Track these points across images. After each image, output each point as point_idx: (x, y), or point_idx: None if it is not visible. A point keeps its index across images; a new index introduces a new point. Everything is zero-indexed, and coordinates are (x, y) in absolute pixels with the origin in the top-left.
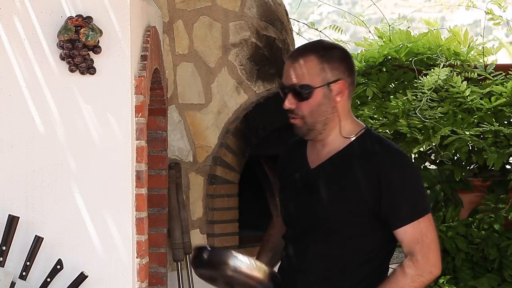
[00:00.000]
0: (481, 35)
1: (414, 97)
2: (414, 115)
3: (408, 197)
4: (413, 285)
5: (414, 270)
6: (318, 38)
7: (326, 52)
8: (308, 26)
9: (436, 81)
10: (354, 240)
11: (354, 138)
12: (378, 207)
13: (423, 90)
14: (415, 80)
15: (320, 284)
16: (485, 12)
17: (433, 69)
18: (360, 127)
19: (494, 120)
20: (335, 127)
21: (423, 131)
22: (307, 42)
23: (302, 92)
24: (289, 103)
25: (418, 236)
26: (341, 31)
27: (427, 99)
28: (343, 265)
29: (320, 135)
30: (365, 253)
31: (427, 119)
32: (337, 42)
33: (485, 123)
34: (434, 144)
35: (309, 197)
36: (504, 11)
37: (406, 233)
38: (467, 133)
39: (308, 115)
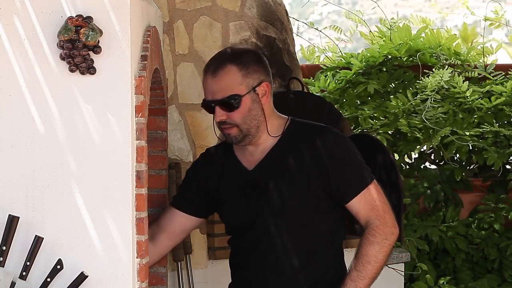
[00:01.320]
0: (481, 35)
1: (415, 98)
2: (415, 115)
3: (353, 169)
4: (382, 250)
5: (378, 236)
6: (318, 38)
7: (242, 58)
8: (308, 26)
9: (439, 83)
10: (313, 227)
11: (282, 132)
12: (328, 186)
13: (426, 92)
14: (417, 81)
15: (291, 281)
16: (484, 19)
17: (435, 70)
18: (285, 120)
19: (494, 121)
20: (265, 128)
21: (423, 131)
22: (218, 52)
23: (231, 103)
24: (219, 115)
25: (372, 202)
26: (341, 31)
27: (431, 100)
28: (309, 256)
29: (254, 138)
30: (326, 238)
31: (428, 119)
32: (337, 42)
33: (485, 123)
34: (434, 144)
35: (259, 197)
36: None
37: (359, 202)
38: (467, 133)
39: (242, 123)
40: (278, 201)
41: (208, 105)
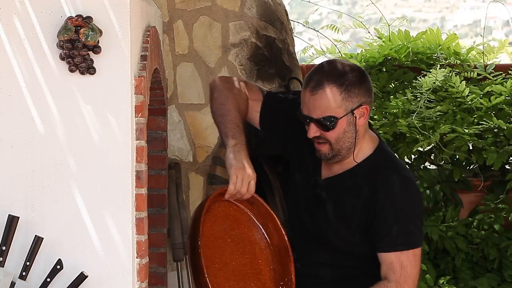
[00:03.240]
0: (481, 35)
1: (413, 98)
2: (413, 115)
3: (399, 225)
4: None
5: None
6: (318, 38)
7: (344, 79)
8: (303, 25)
9: (434, 82)
10: (354, 255)
11: (363, 160)
12: (370, 226)
13: (421, 91)
14: (414, 81)
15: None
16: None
17: (433, 69)
18: (373, 145)
19: (494, 118)
20: (353, 151)
21: (423, 131)
22: (319, 64)
23: (327, 124)
24: (313, 132)
25: (397, 267)
26: (338, 30)
27: (425, 100)
28: (349, 273)
29: (343, 159)
30: (370, 265)
31: (427, 118)
32: (336, 42)
33: (484, 119)
34: (434, 142)
35: (317, 209)
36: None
37: (386, 259)
38: (467, 131)
39: (335, 142)
40: (329, 222)
41: (304, 119)
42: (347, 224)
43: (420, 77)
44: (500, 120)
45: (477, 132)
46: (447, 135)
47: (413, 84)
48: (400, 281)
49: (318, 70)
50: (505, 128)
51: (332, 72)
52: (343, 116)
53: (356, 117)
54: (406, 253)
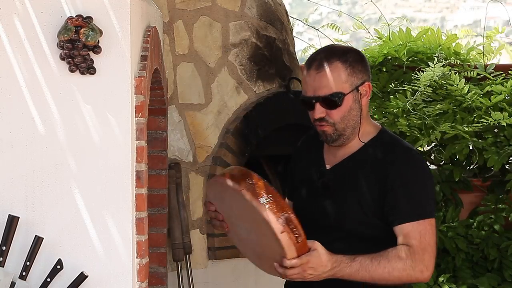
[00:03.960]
0: (481, 35)
1: (412, 94)
2: (413, 112)
3: (412, 197)
4: (403, 273)
5: (409, 258)
6: (318, 38)
7: (347, 56)
8: (304, 23)
9: (432, 77)
10: (371, 241)
11: (369, 140)
12: (383, 203)
13: (418, 84)
14: (413, 76)
15: (339, 281)
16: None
17: (429, 66)
18: (376, 129)
19: (494, 114)
20: (358, 130)
21: (423, 131)
22: (317, 49)
23: (334, 100)
24: (319, 112)
25: (416, 236)
26: (338, 29)
27: (422, 94)
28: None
29: (348, 140)
30: (383, 247)
31: (426, 116)
32: (337, 42)
33: (484, 117)
34: (435, 139)
35: (326, 198)
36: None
37: (403, 230)
38: (467, 129)
39: (340, 122)
40: (340, 208)
41: (308, 101)
42: (360, 206)
43: (418, 72)
44: (498, 113)
45: (477, 130)
46: (448, 133)
47: (412, 79)
48: (420, 247)
49: (319, 52)
50: (505, 124)
51: (334, 51)
52: (349, 92)
53: (361, 94)
54: (423, 223)
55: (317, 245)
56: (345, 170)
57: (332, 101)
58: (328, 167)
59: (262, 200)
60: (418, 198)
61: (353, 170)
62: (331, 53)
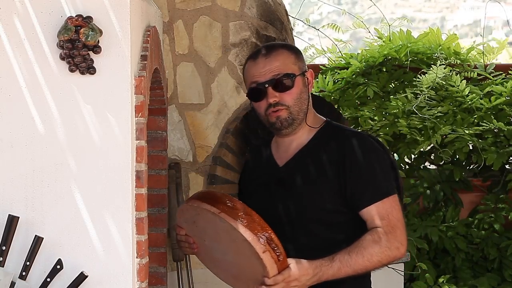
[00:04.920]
0: (481, 35)
1: (413, 96)
2: (413, 114)
3: (370, 179)
4: (382, 255)
5: (382, 241)
6: (318, 38)
7: (288, 46)
8: (304, 23)
9: (434, 79)
10: (336, 227)
11: (318, 129)
12: (345, 191)
13: (421, 88)
14: (414, 79)
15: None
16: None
17: (432, 67)
18: (321, 120)
19: (494, 120)
20: (306, 117)
21: (423, 131)
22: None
23: (286, 81)
24: (272, 96)
25: (384, 215)
26: (339, 29)
27: (425, 97)
28: (328, 254)
29: (299, 127)
30: (344, 241)
31: (426, 118)
32: (337, 42)
33: (484, 121)
34: (434, 141)
35: (284, 193)
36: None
37: (370, 213)
38: (467, 131)
39: (293, 104)
40: (299, 199)
41: (258, 90)
42: (320, 195)
43: (420, 75)
44: (500, 123)
45: (477, 132)
46: (448, 135)
47: (414, 83)
48: (389, 225)
49: (261, 46)
50: (505, 130)
51: (275, 43)
52: (299, 75)
53: (307, 79)
54: (387, 201)
55: (292, 259)
56: (298, 163)
57: (285, 81)
58: (280, 164)
59: (241, 221)
60: (376, 179)
61: (307, 161)
62: (273, 44)
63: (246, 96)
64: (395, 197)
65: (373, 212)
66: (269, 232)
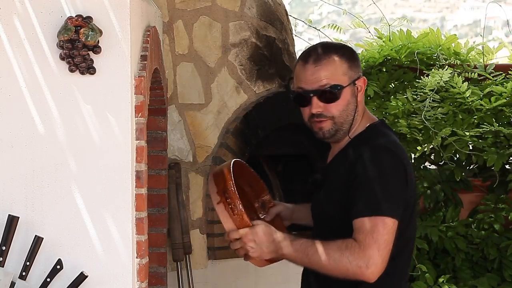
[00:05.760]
0: (481, 35)
1: (415, 97)
2: (414, 115)
3: (369, 193)
4: (339, 264)
5: (348, 251)
6: (318, 38)
7: (344, 50)
8: (305, 23)
9: (438, 82)
10: (341, 237)
11: (353, 138)
12: (346, 200)
13: (424, 91)
14: (416, 80)
15: (326, 280)
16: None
17: (434, 69)
18: (368, 123)
19: (494, 121)
20: (352, 126)
21: (423, 132)
22: (311, 45)
23: (333, 93)
24: (316, 106)
25: (364, 231)
26: (339, 29)
27: (430, 100)
28: None
29: (343, 136)
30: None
31: (427, 119)
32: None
33: (485, 123)
34: (435, 145)
35: (317, 195)
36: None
37: (355, 224)
38: (467, 134)
39: (338, 116)
40: (319, 205)
41: (303, 96)
42: (332, 202)
43: (423, 77)
44: (501, 128)
45: (477, 134)
46: (448, 138)
47: (416, 85)
48: (364, 243)
49: (316, 47)
50: (506, 132)
51: (330, 46)
52: (347, 85)
53: (357, 88)
54: (374, 219)
55: (260, 222)
56: (329, 167)
57: (331, 93)
58: (328, 163)
59: (213, 176)
60: (375, 195)
61: (334, 167)
62: (328, 48)
63: (291, 95)
64: (386, 219)
65: (358, 225)
66: (230, 188)
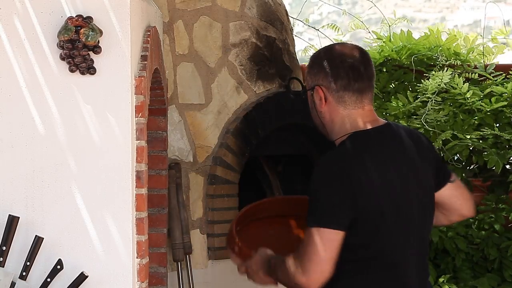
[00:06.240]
0: (480, 35)
1: (415, 100)
2: (415, 118)
3: (308, 206)
4: (287, 271)
5: (293, 264)
6: (317, 38)
7: (315, 55)
8: (304, 23)
9: (439, 85)
10: None
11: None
12: None
13: (427, 95)
14: (417, 84)
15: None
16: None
17: (435, 71)
18: (344, 133)
19: (494, 122)
20: (333, 133)
21: (423, 133)
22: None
23: (304, 93)
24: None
25: (302, 242)
26: (338, 29)
27: (432, 103)
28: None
29: (329, 137)
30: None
31: (428, 122)
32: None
33: (485, 125)
34: (436, 147)
35: None
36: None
37: None
38: (468, 136)
39: (312, 117)
40: None
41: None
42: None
43: (424, 81)
44: (502, 133)
45: (478, 137)
46: (450, 141)
47: (417, 89)
48: (295, 255)
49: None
50: (507, 137)
51: (321, 49)
52: (308, 90)
53: (314, 97)
54: (308, 230)
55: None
56: None
57: (304, 94)
58: None
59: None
60: (310, 207)
61: None
62: (317, 51)
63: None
64: (316, 230)
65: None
66: (233, 227)
